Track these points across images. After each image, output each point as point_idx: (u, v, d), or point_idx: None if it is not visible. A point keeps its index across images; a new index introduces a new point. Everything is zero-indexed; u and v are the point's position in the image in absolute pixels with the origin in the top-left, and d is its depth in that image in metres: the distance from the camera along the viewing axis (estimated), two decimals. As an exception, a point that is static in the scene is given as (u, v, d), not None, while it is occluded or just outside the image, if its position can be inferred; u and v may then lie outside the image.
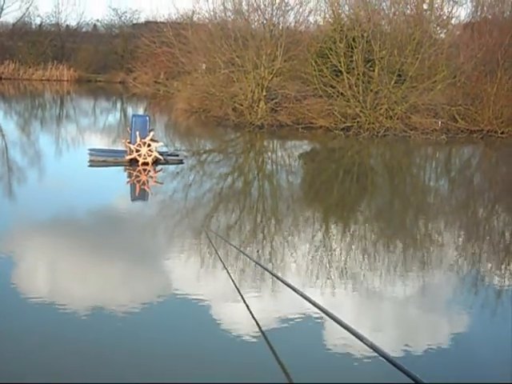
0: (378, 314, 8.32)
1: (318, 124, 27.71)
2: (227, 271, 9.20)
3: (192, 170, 18.79)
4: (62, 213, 12.58)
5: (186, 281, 9.04)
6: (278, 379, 6.31)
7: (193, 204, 14.39)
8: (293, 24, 31.26)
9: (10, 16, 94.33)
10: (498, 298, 9.23)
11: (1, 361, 6.41)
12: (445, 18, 31.61)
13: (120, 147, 19.36)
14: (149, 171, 17.34)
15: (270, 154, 24.60)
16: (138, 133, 17.54)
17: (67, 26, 64.34)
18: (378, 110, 27.86)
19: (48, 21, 62.77)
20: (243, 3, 31.03)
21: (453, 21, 32.65)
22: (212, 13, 32.93)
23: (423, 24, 29.56)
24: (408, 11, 31.18)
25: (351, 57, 27.88)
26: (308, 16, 31.66)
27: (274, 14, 29.84)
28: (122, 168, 17.76)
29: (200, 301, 8.15)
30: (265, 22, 30.06)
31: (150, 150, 17.63)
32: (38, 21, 62.77)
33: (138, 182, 16.59)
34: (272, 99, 29.17)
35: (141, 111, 38.48)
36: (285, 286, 7.46)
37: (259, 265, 9.23)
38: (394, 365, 5.27)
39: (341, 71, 27.99)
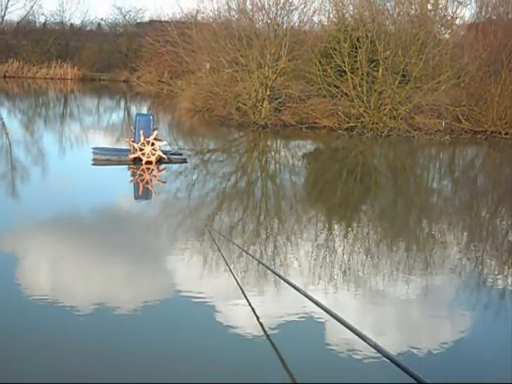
0: (382, 315, 8.31)
1: (322, 124, 27.70)
2: (230, 270, 9.20)
3: (195, 169, 18.79)
4: (66, 211, 12.58)
5: (188, 280, 9.03)
6: (281, 379, 6.30)
7: (196, 203, 14.40)
8: (297, 24, 31.31)
9: (15, 14, 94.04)
10: (501, 299, 9.23)
11: (3, 360, 6.41)
12: (449, 18, 31.62)
13: (124, 146, 19.37)
14: (152, 170, 17.35)
15: (273, 153, 24.59)
16: (141, 132, 17.55)
17: (71, 24, 64.51)
18: (382, 110, 27.84)
19: (52, 19, 62.98)
20: (247, 3, 31.07)
21: (457, 21, 32.71)
22: (216, 12, 33.00)
23: (427, 24, 29.52)
24: (412, 11, 31.19)
25: (355, 57, 27.87)
26: (312, 16, 31.69)
27: (279, 13, 29.84)
28: (126, 167, 17.77)
29: (203, 300, 8.15)
30: (269, 21, 30.05)
31: (153, 149, 17.64)
32: (42, 19, 62.97)
33: (142, 180, 16.60)
34: (276, 99, 29.17)
35: (144, 110, 38.47)
36: (288, 286, 7.46)
37: (262, 264, 9.23)
38: (398, 365, 5.27)
39: (345, 71, 27.98)
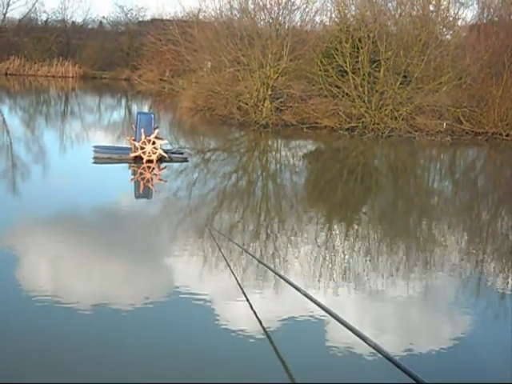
0: (381, 315, 8.31)
1: (323, 124, 27.71)
2: (230, 270, 9.20)
3: (196, 168, 18.79)
4: (66, 209, 12.59)
5: (188, 279, 9.03)
6: (280, 379, 6.30)
7: (196, 202, 14.40)
8: (299, 23, 31.35)
9: (17, 12, 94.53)
10: (501, 299, 9.23)
11: (4, 359, 6.41)
12: (451, 19, 31.62)
13: (125, 144, 19.37)
14: (153, 169, 17.35)
15: (274, 153, 24.60)
16: (142, 130, 17.55)
17: (73, 22, 64.54)
18: (383, 110, 27.84)
19: (54, 17, 63.02)
20: (249, 2, 31.14)
21: (459, 22, 32.69)
22: (218, 11, 33.02)
23: (429, 25, 29.52)
24: (414, 12, 31.16)
25: (357, 57, 27.87)
26: (314, 16, 31.74)
27: (281, 13, 29.86)
28: (127, 165, 17.77)
29: (203, 299, 8.15)
30: (271, 21, 30.08)
31: (154, 148, 17.64)
32: (44, 17, 63.17)
33: (143, 179, 16.60)
34: (277, 98, 29.17)
35: (146, 109, 38.52)
36: (288, 286, 7.46)
37: (262, 264, 9.23)
38: (397, 365, 5.27)
39: (346, 71, 27.98)
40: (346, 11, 30.36)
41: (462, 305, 8.87)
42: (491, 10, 34.33)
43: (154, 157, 17.64)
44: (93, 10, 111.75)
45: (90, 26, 66.55)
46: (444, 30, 31.82)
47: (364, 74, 27.73)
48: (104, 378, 6.11)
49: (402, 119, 27.94)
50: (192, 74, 35.07)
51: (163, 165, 17.95)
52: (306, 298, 6.85)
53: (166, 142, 18.45)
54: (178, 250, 10.45)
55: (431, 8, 31.02)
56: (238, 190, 16.56)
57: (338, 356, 6.83)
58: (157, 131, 17.93)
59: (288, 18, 30.18)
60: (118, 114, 37.70)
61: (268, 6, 30.07)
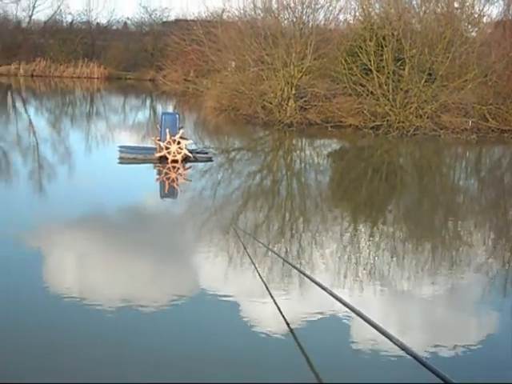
0: (407, 314, 8.28)
1: (348, 122, 27.60)
2: (256, 269, 9.21)
3: (221, 167, 18.83)
4: (92, 209, 12.69)
5: (213, 278, 9.06)
6: (306, 378, 6.30)
7: (221, 201, 14.44)
8: (323, 22, 31.21)
9: (42, 14, 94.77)
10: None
11: (26, 356, 6.48)
12: (476, 16, 31.35)
13: (150, 144, 19.46)
14: (178, 169, 17.42)
15: (298, 152, 24.58)
16: (167, 130, 17.62)
17: (98, 23, 64.80)
18: (408, 108, 27.68)
19: (79, 19, 63.28)
20: (273, 1, 31.06)
21: (484, 19, 32.37)
22: (242, 11, 33.05)
23: (454, 22, 29.31)
24: (439, 9, 30.94)
25: (381, 55, 27.73)
26: (338, 14, 31.56)
27: (304, 12, 29.79)
28: (152, 165, 17.86)
29: (228, 298, 8.17)
30: (295, 20, 30.01)
31: (179, 148, 17.70)
32: (69, 18, 63.25)
33: (168, 179, 16.68)
34: (301, 97, 29.12)
35: (170, 109, 38.64)
36: (313, 285, 7.46)
37: (288, 263, 9.24)
38: (424, 364, 5.26)
39: (371, 70, 27.86)
40: (370, 9, 30.25)
41: (489, 304, 8.81)
42: (517, 6, 34.00)
43: (178, 157, 17.70)
44: (117, 11, 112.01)
45: (114, 27, 66.73)
46: (469, 26, 31.57)
47: (388, 72, 27.60)
48: (130, 375, 6.16)
49: (427, 117, 27.75)
50: (216, 73, 35.10)
51: (188, 164, 18.01)
52: (331, 297, 6.85)
53: (190, 141, 18.52)
54: (203, 250, 10.48)
55: (456, 5, 30.81)
56: (262, 189, 16.57)
57: (364, 355, 6.82)
58: (182, 131, 18.00)
59: (312, 16, 30.13)
60: (143, 115, 37.90)
61: (292, 4, 30.04)
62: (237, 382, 6.17)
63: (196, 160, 18.31)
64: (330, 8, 30.71)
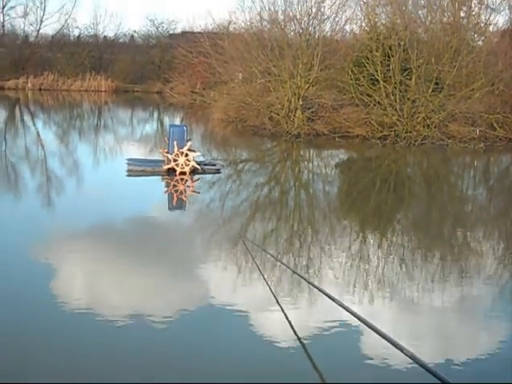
0: (417, 324, 8.26)
1: (355, 133, 27.62)
2: (264, 280, 9.21)
3: (229, 179, 18.85)
4: (101, 222, 12.72)
5: (222, 290, 9.06)
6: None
7: (230, 213, 14.46)
8: (329, 33, 31.28)
9: (49, 28, 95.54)
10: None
11: (37, 364, 6.50)
12: (482, 25, 31.38)
13: (158, 157, 19.50)
14: (186, 181, 17.45)
15: (306, 163, 24.61)
16: (175, 143, 17.67)
17: (105, 37, 65.07)
18: (415, 118, 27.69)
19: (86, 32, 63.62)
20: (279, 13, 31.17)
21: (490, 28, 32.39)
22: (248, 23, 33.20)
23: (460, 32, 29.36)
24: (445, 19, 31.01)
25: (388, 65, 27.78)
26: (344, 25, 31.65)
27: (310, 23, 29.88)
28: (160, 177, 17.90)
29: (237, 309, 8.17)
30: (301, 31, 30.11)
31: (187, 160, 17.74)
32: (76, 32, 63.62)
33: (176, 191, 16.71)
34: (308, 108, 29.17)
35: (178, 121, 38.76)
36: (322, 295, 7.46)
37: (296, 274, 9.23)
38: (435, 375, 5.24)
39: (377, 80, 27.90)
40: (376, 19, 30.33)
41: (499, 314, 8.78)
42: (523, 15, 33.98)
43: (186, 169, 17.74)
44: (124, 24, 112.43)
45: (121, 40, 66.97)
46: (475, 36, 31.62)
47: (395, 82, 27.63)
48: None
49: (435, 127, 27.74)
50: (223, 85, 35.20)
51: (196, 176, 18.05)
52: (340, 308, 6.84)
53: (198, 153, 18.56)
54: (212, 261, 10.49)
55: (462, 14, 30.86)
56: (270, 200, 16.58)
57: (373, 366, 6.80)
58: (189, 143, 18.04)
59: (318, 27, 30.21)
60: (151, 127, 38.00)
61: (298, 16, 30.14)
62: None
63: (204, 172, 18.34)
64: (336, 19, 30.81)
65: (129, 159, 18.60)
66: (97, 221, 12.75)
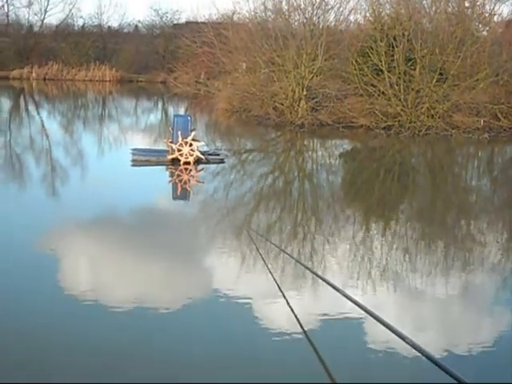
0: (420, 314, 8.29)
1: (359, 123, 27.60)
2: (268, 270, 9.24)
3: (233, 169, 18.88)
4: (105, 211, 12.76)
5: (226, 279, 9.09)
6: (319, 378, 6.33)
7: (234, 203, 14.48)
8: (333, 23, 31.22)
9: (54, 18, 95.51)
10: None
11: (43, 356, 6.55)
12: (487, 15, 31.29)
13: (162, 147, 19.53)
14: (190, 170, 17.48)
15: (310, 153, 24.61)
16: (179, 132, 17.69)
17: (109, 27, 65.09)
18: (420, 108, 27.66)
19: (90, 22, 63.70)
20: (283, 3, 31.18)
21: (495, 18, 32.29)
22: (252, 12, 33.16)
23: (465, 22, 29.27)
24: (449, 9, 30.92)
25: (392, 56, 27.73)
26: (348, 15, 31.62)
27: (315, 13, 29.84)
28: (164, 167, 17.93)
29: (241, 299, 8.21)
30: (305, 21, 30.08)
31: (191, 150, 17.76)
32: (80, 22, 63.67)
33: (180, 181, 16.74)
34: (313, 98, 29.16)
35: (182, 111, 38.74)
36: (326, 285, 7.48)
37: (300, 263, 9.27)
38: (437, 364, 5.27)
39: (382, 70, 27.86)
40: (381, 10, 30.27)
41: (502, 304, 8.81)
42: (528, 5, 33.89)
43: (191, 159, 17.76)
44: (128, 15, 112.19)
45: (125, 30, 66.93)
46: (480, 26, 31.51)
47: (399, 73, 27.59)
48: (140, 376, 6.21)
49: (439, 117, 27.71)
50: (227, 75, 35.18)
51: (200, 166, 18.07)
52: (344, 298, 6.87)
53: (202, 143, 18.59)
54: (216, 251, 10.53)
55: (466, 4, 30.79)
56: (274, 190, 16.60)
57: (377, 355, 6.84)
58: (193, 133, 18.07)
59: (322, 17, 30.18)
60: (155, 117, 38.00)
61: (302, 6, 30.11)
62: (250, 381, 6.21)
63: (208, 162, 18.36)
64: (341, 9, 30.79)
65: (133, 149, 18.64)
66: (101, 211, 12.79)
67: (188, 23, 55.82)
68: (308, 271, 8.83)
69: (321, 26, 29.87)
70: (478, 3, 30.51)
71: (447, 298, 8.81)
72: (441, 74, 27.82)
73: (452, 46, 27.97)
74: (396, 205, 15.74)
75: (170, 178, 17.27)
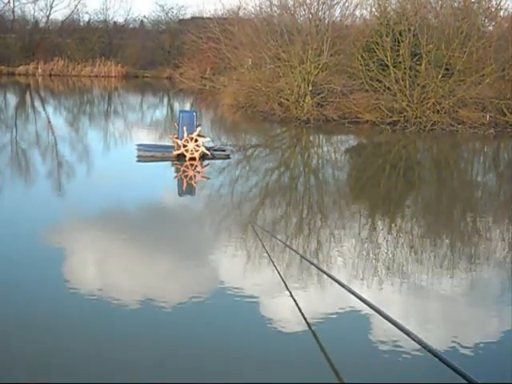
0: (426, 310, 8.29)
1: (365, 118, 27.56)
2: (274, 265, 9.25)
3: (238, 164, 18.87)
4: (111, 207, 12.79)
5: (232, 275, 9.10)
6: (324, 375, 6.33)
7: (239, 198, 14.49)
8: (339, 18, 31.19)
9: (59, 13, 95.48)
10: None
11: (53, 350, 6.57)
12: (493, 10, 31.20)
13: (167, 142, 19.54)
14: (196, 166, 17.49)
15: (315, 148, 24.60)
16: (185, 128, 17.71)
17: (115, 22, 65.08)
18: (425, 104, 27.62)
19: (96, 18, 63.67)
20: (289, -2, 31.06)
21: (501, 13, 32.17)
22: (258, 8, 33.15)
23: (471, 17, 29.19)
24: (455, 4, 30.83)
25: (398, 51, 27.69)
26: (354, 10, 31.59)
27: (320, 8, 29.80)
28: (170, 163, 17.94)
29: (246, 294, 8.22)
30: (311, 16, 30.04)
31: (197, 145, 17.77)
32: (86, 18, 63.71)
33: (186, 176, 16.76)
34: (318, 94, 29.13)
35: (187, 107, 38.76)
36: (331, 281, 7.50)
37: (305, 259, 9.26)
38: (442, 361, 5.27)
39: (387, 65, 27.81)
40: (386, 5, 30.21)
41: (509, 299, 8.80)
42: (534, 0, 33.76)
43: (196, 154, 17.77)
44: (134, 10, 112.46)
45: (131, 26, 66.96)
46: (486, 21, 31.40)
47: (405, 68, 27.55)
48: (144, 372, 6.23)
49: (445, 112, 27.66)
50: (233, 71, 35.14)
51: (206, 162, 18.08)
52: (349, 294, 6.88)
53: (208, 139, 18.60)
54: (221, 247, 10.54)
55: (472, -1, 30.68)
56: (280, 186, 16.61)
57: (382, 352, 6.83)
58: (199, 129, 18.08)
59: (328, 13, 30.13)
60: (161, 113, 38.02)
61: (308, 1, 30.06)
62: (255, 377, 6.22)
63: (213, 157, 18.37)
64: (346, 4, 30.77)
65: (139, 145, 18.67)
66: (107, 206, 12.82)
67: (193, 19, 55.83)
68: (313, 267, 8.83)
69: (326, 22, 29.82)
70: (484, -2, 30.42)
71: (453, 294, 8.80)
72: (446, 69, 27.75)
73: (458, 41, 27.90)
74: (401, 200, 15.73)
75: (176, 174, 17.29)
